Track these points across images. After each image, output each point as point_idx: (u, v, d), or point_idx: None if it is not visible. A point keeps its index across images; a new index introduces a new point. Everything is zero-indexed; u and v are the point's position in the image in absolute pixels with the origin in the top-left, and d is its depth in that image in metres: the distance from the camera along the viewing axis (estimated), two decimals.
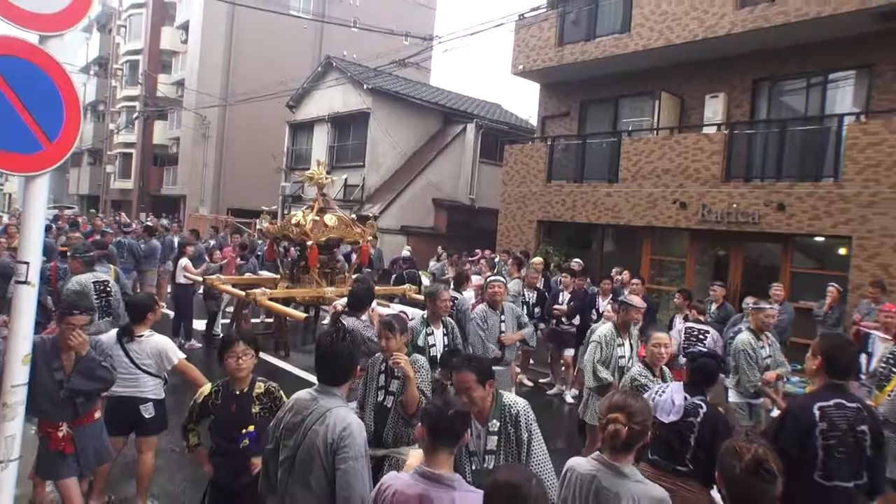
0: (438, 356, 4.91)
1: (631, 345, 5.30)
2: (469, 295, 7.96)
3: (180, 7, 33.34)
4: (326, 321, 9.62)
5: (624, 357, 5.18)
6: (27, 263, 2.54)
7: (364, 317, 4.98)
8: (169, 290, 11.07)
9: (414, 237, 17.90)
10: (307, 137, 22.50)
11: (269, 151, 25.02)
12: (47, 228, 14.52)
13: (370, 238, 9.60)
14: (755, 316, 5.71)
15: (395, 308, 6.75)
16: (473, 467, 2.84)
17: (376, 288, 8.85)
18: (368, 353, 4.55)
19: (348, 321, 4.99)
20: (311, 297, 8.60)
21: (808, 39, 10.77)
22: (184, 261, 9.65)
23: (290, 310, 8.27)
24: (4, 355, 2.62)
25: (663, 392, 3.61)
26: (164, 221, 21.54)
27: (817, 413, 3.04)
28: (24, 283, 2.54)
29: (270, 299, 7.95)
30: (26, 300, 2.57)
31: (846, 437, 3.02)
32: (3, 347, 2.75)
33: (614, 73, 13.73)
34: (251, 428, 3.26)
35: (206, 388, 3.43)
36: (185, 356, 4.34)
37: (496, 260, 12.50)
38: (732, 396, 5.82)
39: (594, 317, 7.98)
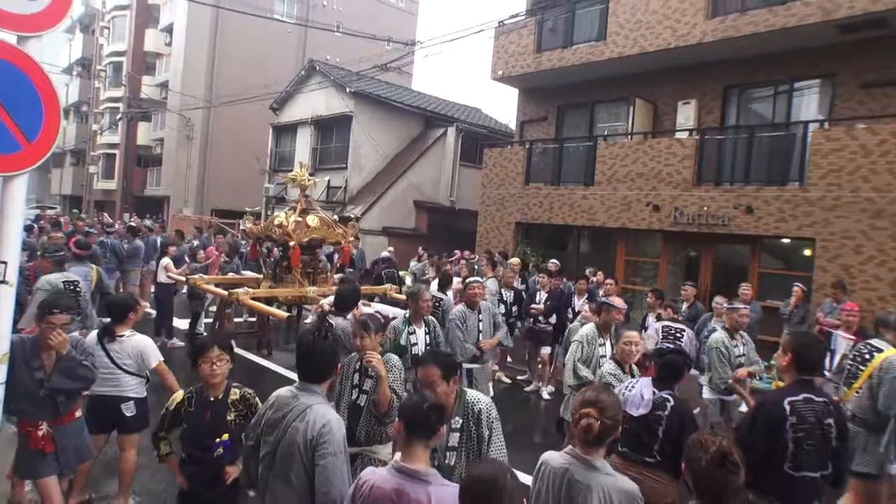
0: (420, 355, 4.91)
1: (612, 344, 5.32)
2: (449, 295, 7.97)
3: (164, 10, 32.91)
4: (309, 320, 9.57)
5: (605, 356, 5.19)
6: (5, 263, 2.49)
7: (349, 316, 4.96)
8: (152, 289, 10.93)
9: (395, 238, 17.86)
10: (290, 139, 22.34)
11: (253, 153, 24.79)
12: (29, 228, 14.26)
13: (352, 239, 9.58)
14: (730, 316, 5.81)
15: (376, 307, 6.73)
16: (436, 463, 2.82)
17: None
18: (349, 349, 4.57)
19: (335, 321, 5.02)
20: (294, 297, 8.56)
21: (776, 49, 10.94)
22: (165, 260, 9.55)
23: (272, 309, 8.22)
24: None
25: (633, 387, 3.68)
26: (148, 222, 21.22)
27: (787, 407, 3.12)
28: (3, 282, 2.49)
29: (254, 299, 7.89)
30: (4, 300, 2.53)
31: (814, 430, 3.10)
32: None
33: (590, 80, 13.83)
34: (225, 436, 3.08)
35: (179, 394, 3.27)
36: (163, 359, 4.28)
37: (474, 261, 12.52)
38: (706, 393, 5.91)
39: (570, 316, 8.06)
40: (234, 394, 3.21)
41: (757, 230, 10.17)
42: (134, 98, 32.18)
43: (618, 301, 5.60)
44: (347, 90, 19.07)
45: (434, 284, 8.41)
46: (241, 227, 13.08)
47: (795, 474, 3.10)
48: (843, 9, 9.45)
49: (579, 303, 8.11)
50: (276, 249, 9.47)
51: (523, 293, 8.80)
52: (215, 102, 26.62)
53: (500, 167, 14.60)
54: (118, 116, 33.00)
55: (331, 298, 5.75)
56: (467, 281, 6.20)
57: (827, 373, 6.39)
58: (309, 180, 9.27)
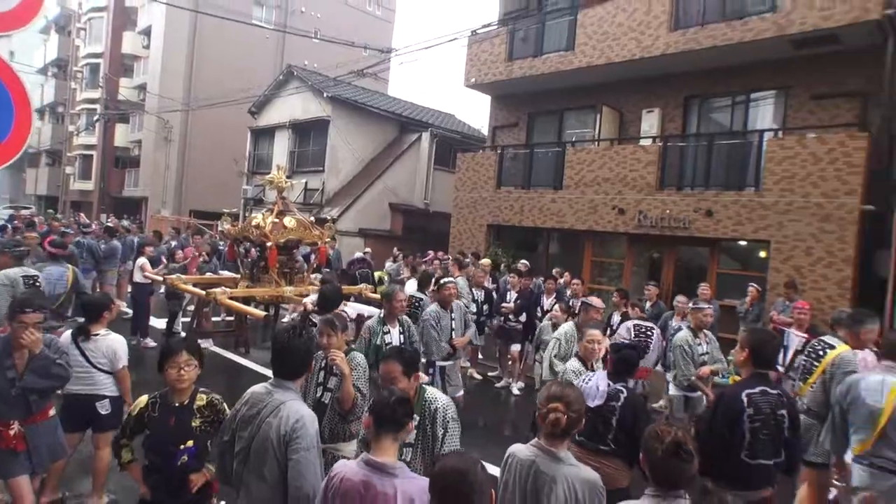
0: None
1: None
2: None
3: (142, 12, 32.16)
4: (286, 319, 9.47)
5: None
6: None
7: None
8: (129, 289, 10.71)
9: (371, 239, 17.76)
10: (269, 143, 22.07)
11: (232, 155, 24.42)
12: (2, 228, 13.80)
13: (328, 240, 9.51)
14: (694, 315, 5.86)
15: (353, 307, 6.69)
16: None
17: None
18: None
19: (320, 320, 5.01)
20: (271, 296, 8.47)
21: (734, 62, 11.15)
22: (141, 260, 9.37)
23: (249, 308, 8.12)
24: None
25: (589, 380, 3.75)
26: (125, 222, 20.75)
27: (745, 399, 3.22)
28: None
29: (231, 298, 7.79)
30: None
31: (769, 421, 3.22)
32: None
33: (560, 88, 13.95)
34: (190, 443, 2.87)
35: (143, 399, 3.02)
36: (126, 365, 4.18)
37: (447, 262, 12.51)
38: (671, 389, 5.99)
39: (539, 314, 8.12)
40: (201, 399, 2.99)
41: (716, 233, 10.36)
42: (111, 100, 31.42)
43: (596, 301, 5.68)
44: (325, 95, 18.93)
45: (410, 284, 8.40)
46: (220, 228, 12.91)
47: (752, 462, 3.20)
48: (796, 25, 9.70)
49: (548, 302, 8.18)
50: (253, 250, 9.34)
51: (493, 293, 8.84)
52: (194, 105, 26.15)
53: (473, 171, 14.64)
54: (95, 118, 32.18)
55: (314, 297, 5.70)
56: (442, 281, 6.19)
57: (780, 367, 6.57)
58: (286, 183, 9.17)
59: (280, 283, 8.52)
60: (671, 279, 11.31)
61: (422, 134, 20.08)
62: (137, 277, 9.35)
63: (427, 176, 19.86)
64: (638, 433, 3.42)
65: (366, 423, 2.33)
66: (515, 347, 8.41)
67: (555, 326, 6.97)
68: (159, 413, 2.92)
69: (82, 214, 26.46)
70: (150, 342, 9.08)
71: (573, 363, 4.44)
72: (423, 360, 5.60)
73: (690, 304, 6.74)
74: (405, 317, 5.36)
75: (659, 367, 6.94)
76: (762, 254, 10.22)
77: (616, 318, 7.47)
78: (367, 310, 6.62)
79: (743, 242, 10.59)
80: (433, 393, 3.03)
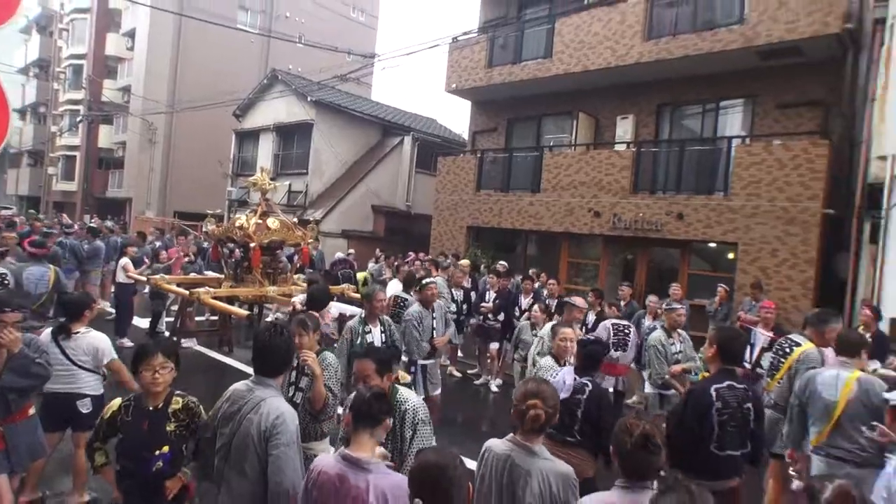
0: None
1: None
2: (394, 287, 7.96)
3: (126, 14, 31.58)
4: (270, 318, 9.37)
5: None
6: None
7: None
8: (112, 289, 10.50)
9: (354, 240, 17.69)
10: (253, 145, 21.85)
11: (216, 157, 24.13)
12: None
13: (311, 241, 9.45)
14: (668, 315, 5.87)
15: (335, 306, 6.64)
16: None
17: None
18: (326, 347, 4.51)
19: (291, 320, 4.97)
20: (254, 296, 8.40)
21: (704, 71, 11.33)
22: (124, 260, 9.21)
23: (233, 308, 8.05)
24: None
25: (556, 374, 3.79)
26: (109, 223, 20.36)
27: (714, 394, 3.29)
28: None
29: (215, 298, 7.71)
30: None
31: (736, 413, 3.29)
32: None
33: (538, 94, 14.04)
34: (165, 448, 2.73)
35: (115, 402, 2.87)
36: (115, 357, 4.11)
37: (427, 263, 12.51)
38: (647, 387, 6.04)
39: (517, 314, 8.15)
40: (176, 403, 2.84)
41: (687, 235, 10.50)
42: (95, 101, 30.79)
43: (579, 301, 5.71)
44: (308, 99, 18.82)
45: (393, 284, 8.38)
46: (204, 229, 12.73)
47: (720, 453, 3.26)
48: (762, 37, 9.90)
49: (525, 302, 8.22)
50: (237, 250, 9.25)
51: (472, 292, 8.85)
52: (178, 108, 25.79)
53: (454, 174, 14.66)
54: (78, 119, 31.51)
55: (302, 297, 5.66)
56: (424, 282, 6.17)
57: (747, 364, 6.68)
58: (269, 184, 9.09)
59: (263, 283, 8.45)
60: (644, 279, 11.43)
61: (404, 138, 20.06)
62: (120, 278, 9.19)
63: (409, 179, 19.85)
64: (602, 425, 3.47)
65: (346, 421, 2.33)
66: (494, 346, 8.43)
67: (533, 326, 7.01)
68: (132, 417, 2.78)
69: (65, 215, 25.86)
70: (128, 342, 8.88)
71: (547, 360, 4.46)
72: (406, 359, 5.58)
73: (664, 305, 6.81)
74: (386, 316, 5.34)
75: (633, 365, 7.02)
76: (730, 255, 10.37)
77: (591, 317, 7.53)
78: (349, 309, 6.58)
79: (712, 244, 10.73)
80: (405, 394, 3.01)
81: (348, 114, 19.66)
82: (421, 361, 5.70)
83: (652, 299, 7.60)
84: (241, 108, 21.92)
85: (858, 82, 9.80)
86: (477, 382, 8.65)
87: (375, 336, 5.02)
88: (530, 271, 10.41)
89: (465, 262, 10.30)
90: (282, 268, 9.25)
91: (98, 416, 3.98)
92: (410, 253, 14.05)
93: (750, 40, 10.05)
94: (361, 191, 18.94)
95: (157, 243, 13.11)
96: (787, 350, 4.82)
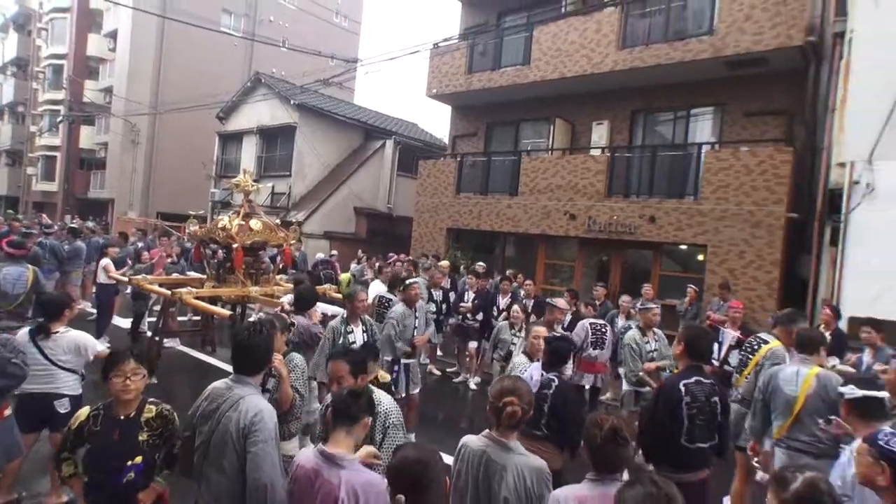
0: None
1: None
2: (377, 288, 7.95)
3: (108, 15, 30.93)
4: (252, 318, 9.27)
5: None
6: None
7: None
8: (93, 290, 10.30)
9: (337, 242, 17.60)
10: (237, 147, 21.59)
11: (200, 159, 23.76)
12: None
13: (293, 242, 9.38)
14: (644, 315, 5.93)
15: (318, 306, 6.60)
16: None
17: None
18: (313, 346, 4.50)
19: (296, 319, 5.03)
20: (237, 296, 8.32)
21: (676, 80, 11.51)
22: (105, 261, 9.02)
23: (215, 308, 7.95)
24: None
25: (525, 370, 3.84)
26: (90, 223, 19.94)
27: (683, 389, 3.35)
28: None
29: (198, 298, 7.62)
30: None
31: (704, 408, 3.36)
32: None
33: (516, 100, 14.13)
34: (138, 459, 2.56)
35: (83, 412, 2.68)
36: (103, 349, 4.04)
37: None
38: (624, 385, 6.11)
39: (495, 313, 8.19)
40: (149, 411, 2.67)
41: (658, 237, 10.64)
42: (76, 101, 30.12)
43: (560, 302, 5.74)
44: (292, 102, 18.66)
45: (375, 285, 8.36)
46: (187, 230, 12.58)
47: (690, 446, 3.33)
48: (730, 48, 10.09)
49: (503, 302, 8.26)
50: (220, 251, 9.15)
51: (451, 293, 8.87)
52: (161, 109, 25.36)
53: (434, 177, 14.67)
54: (59, 119, 30.78)
55: (290, 297, 5.64)
56: (407, 282, 6.17)
57: (715, 361, 6.81)
58: (252, 186, 9.01)
59: (246, 284, 8.37)
60: (618, 280, 11.54)
61: (386, 141, 20.02)
62: (101, 278, 9.01)
63: (390, 181, 19.81)
64: (567, 419, 3.51)
65: (327, 419, 2.34)
66: (473, 345, 8.46)
67: (511, 326, 7.04)
68: (102, 426, 2.59)
69: (44, 215, 25.27)
70: (104, 344, 8.70)
71: (520, 358, 4.48)
72: (389, 358, 5.57)
73: (639, 305, 6.90)
74: (367, 316, 5.33)
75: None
76: (700, 257, 10.52)
77: (567, 317, 7.60)
78: (330, 309, 6.55)
79: (683, 246, 10.87)
80: (379, 396, 2.98)
81: (331, 117, 19.56)
82: (403, 360, 5.69)
83: (625, 299, 7.71)
84: (225, 111, 21.66)
85: (820, 93, 10.04)
86: (456, 380, 8.66)
87: (357, 336, 5.00)
88: (508, 272, 10.46)
89: (444, 263, 10.33)
90: (265, 268, 9.17)
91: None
92: (392, 254, 14.03)
93: (719, 50, 10.24)
94: (344, 193, 18.85)
95: (140, 244, 12.89)
96: (756, 347, 4.97)
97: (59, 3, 32.31)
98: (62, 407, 3.80)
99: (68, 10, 32.05)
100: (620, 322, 7.45)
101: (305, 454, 2.29)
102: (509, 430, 2.49)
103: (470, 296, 8.64)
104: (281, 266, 9.68)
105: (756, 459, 4.43)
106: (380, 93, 75.37)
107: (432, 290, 8.50)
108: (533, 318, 6.80)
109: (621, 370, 6.20)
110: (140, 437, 2.61)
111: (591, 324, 6.69)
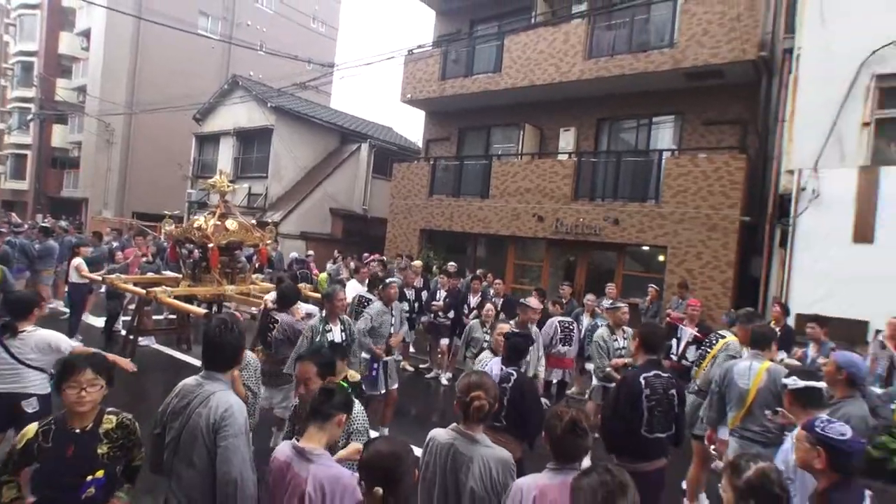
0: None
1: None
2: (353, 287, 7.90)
3: (80, 14, 29.93)
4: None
5: None
6: None
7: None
8: (66, 289, 9.98)
9: (313, 242, 17.43)
10: (213, 148, 21.18)
11: (177, 159, 23.27)
12: None
13: (269, 242, 9.28)
14: (613, 314, 5.97)
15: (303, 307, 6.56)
16: None
17: (270, 286, 8.60)
18: (294, 342, 4.45)
19: (280, 316, 5.03)
20: (212, 295, 8.20)
21: (639, 89, 11.71)
22: (76, 260, 8.76)
23: (191, 306, 7.82)
24: None
25: (486, 365, 3.89)
26: (63, 223, 19.33)
27: (643, 382, 3.44)
28: None
29: (176, 297, 7.48)
30: None
31: (663, 399, 3.45)
32: None
33: (488, 106, 14.19)
34: (100, 473, 2.32)
35: (31, 429, 2.36)
36: (76, 346, 3.91)
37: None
38: (594, 380, 6.19)
39: (465, 311, 8.23)
40: (109, 422, 2.43)
41: (622, 239, 10.81)
42: (47, 100, 29.08)
43: (534, 302, 5.75)
44: (269, 105, 18.41)
45: (352, 284, 8.31)
46: (163, 230, 12.31)
47: (650, 436, 3.42)
48: (689, 60, 10.34)
49: (474, 300, 8.31)
50: (196, 251, 8.98)
51: (424, 292, 8.89)
52: (137, 109, 24.72)
53: (408, 180, 14.65)
54: (29, 117, 29.68)
55: (273, 295, 5.59)
56: (387, 281, 6.16)
57: (673, 356, 6.97)
58: (228, 187, 8.88)
59: (222, 283, 8.25)
60: (584, 280, 11.68)
61: (361, 144, 19.91)
62: (73, 278, 8.75)
63: (366, 183, 19.71)
64: (526, 411, 3.57)
65: (299, 414, 2.35)
66: (444, 342, 8.48)
67: (483, 324, 7.07)
68: (54, 442, 2.31)
69: (14, 214, 24.37)
70: (76, 342, 8.44)
71: (485, 354, 4.51)
72: (367, 356, 5.54)
73: (607, 304, 7.01)
74: (346, 315, 5.29)
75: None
76: (661, 258, 10.70)
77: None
78: (305, 307, 6.49)
79: (645, 248, 11.06)
80: None
81: (308, 120, 19.36)
82: (383, 357, 5.67)
83: (589, 298, 7.82)
84: (202, 112, 21.23)
85: (771, 104, 10.37)
86: (428, 376, 8.68)
87: (336, 335, 4.94)
88: (478, 272, 10.52)
89: (417, 262, 10.32)
90: (241, 267, 9.05)
91: (45, 414, 3.77)
92: (366, 254, 13.97)
93: (678, 62, 10.47)
94: (320, 194, 18.68)
95: (115, 243, 12.56)
96: (714, 341, 5.18)
97: None
98: (30, 406, 3.65)
99: (38, 6, 30.90)
100: (586, 320, 7.55)
101: (281, 447, 2.31)
102: (476, 424, 2.52)
103: (442, 294, 8.66)
104: (257, 265, 9.57)
105: (713, 447, 4.57)
106: (356, 97, 75.00)
107: (405, 290, 8.50)
108: (502, 315, 6.84)
109: (589, 365, 6.28)
110: (99, 450, 2.37)
111: (559, 322, 6.78)
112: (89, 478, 2.30)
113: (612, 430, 3.52)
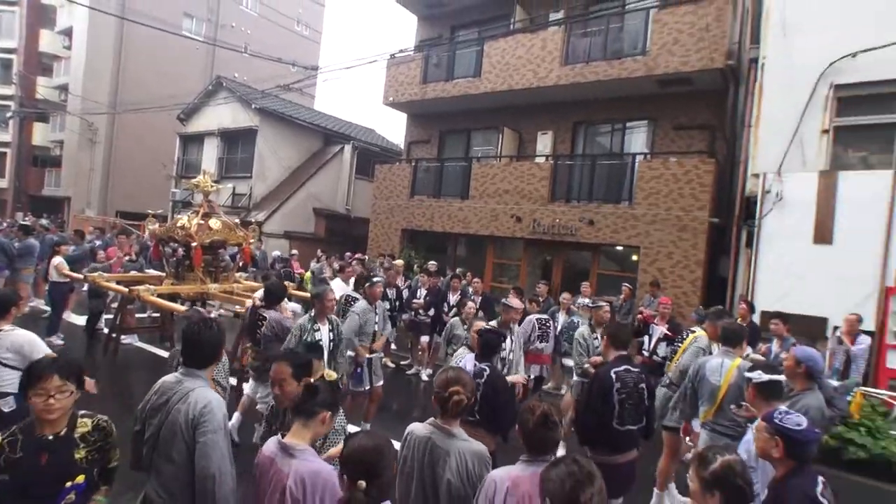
0: (326, 352, 4.77)
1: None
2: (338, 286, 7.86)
3: (61, 12, 29.11)
4: (213, 315, 9.01)
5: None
6: None
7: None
8: (47, 287, 9.74)
9: (296, 241, 17.29)
10: (198, 148, 20.83)
11: (160, 158, 22.84)
12: None
13: (252, 241, 9.19)
14: (595, 313, 5.95)
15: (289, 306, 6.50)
16: None
17: (254, 284, 8.51)
18: (282, 339, 4.41)
19: (267, 313, 5.03)
20: (196, 293, 8.09)
21: (613, 95, 11.84)
22: (57, 259, 8.55)
23: (173, 305, 7.68)
24: None
25: (460, 361, 3.91)
26: (44, 221, 18.84)
27: (614, 376, 3.51)
28: None
29: (159, 295, 7.36)
30: None
31: (633, 393, 3.51)
32: None
33: (468, 110, 14.22)
34: (80, 478, 2.18)
35: None
36: (50, 351, 3.80)
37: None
38: (574, 376, 6.23)
39: (445, 309, 8.25)
40: (84, 425, 2.27)
41: (597, 239, 10.92)
42: (28, 98, 28.27)
43: (515, 302, 5.73)
44: (253, 106, 18.18)
45: (334, 283, 8.27)
46: (147, 229, 12.08)
47: (621, 428, 3.48)
48: (661, 68, 10.49)
49: (453, 298, 8.32)
50: (179, 249, 8.84)
51: (405, 290, 8.88)
52: (120, 109, 24.20)
53: (390, 181, 14.61)
54: (8, 115, 28.81)
55: (261, 293, 5.54)
56: (373, 280, 6.13)
57: (645, 352, 7.07)
58: (212, 186, 8.76)
59: (205, 281, 8.15)
60: (560, 278, 11.78)
61: (344, 146, 19.80)
62: (54, 276, 8.54)
63: (349, 184, 19.61)
64: (498, 406, 3.60)
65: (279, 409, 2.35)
66: (425, 339, 8.48)
67: (464, 322, 7.08)
68: (24, 452, 2.12)
69: None
70: (58, 340, 8.24)
71: (462, 350, 4.51)
72: (352, 353, 5.50)
73: (588, 303, 7.07)
74: (334, 315, 5.24)
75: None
76: (634, 257, 10.84)
77: None
78: (289, 306, 6.45)
79: (619, 248, 11.17)
80: None
81: (292, 122, 19.18)
82: (368, 355, 5.65)
83: (565, 296, 7.89)
84: (186, 112, 20.88)
85: (738, 111, 10.55)
86: (409, 372, 8.67)
87: (324, 334, 4.89)
88: (458, 270, 10.54)
89: (398, 262, 10.31)
90: (224, 266, 8.94)
91: (22, 414, 3.63)
92: (348, 253, 13.91)
93: (651, 69, 10.62)
94: (303, 195, 18.52)
95: (97, 242, 12.29)
96: (685, 337, 5.33)
97: None
98: (6, 406, 3.54)
99: (16, 3, 29.96)
100: (561, 317, 7.62)
101: (268, 443, 2.30)
102: (453, 418, 2.53)
103: (422, 293, 8.67)
104: (241, 264, 9.47)
105: (689, 439, 4.66)
106: (339, 99, 74.47)
107: (387, 289, 8.47)
108: (480, 313, 6.86)
109: (567, 361, 6.34)
110: (77, 455, 2.21)
111: (537, 319, 6.83)
112: (68, 484, 2.17)
113: (584, 423, 3.57)
